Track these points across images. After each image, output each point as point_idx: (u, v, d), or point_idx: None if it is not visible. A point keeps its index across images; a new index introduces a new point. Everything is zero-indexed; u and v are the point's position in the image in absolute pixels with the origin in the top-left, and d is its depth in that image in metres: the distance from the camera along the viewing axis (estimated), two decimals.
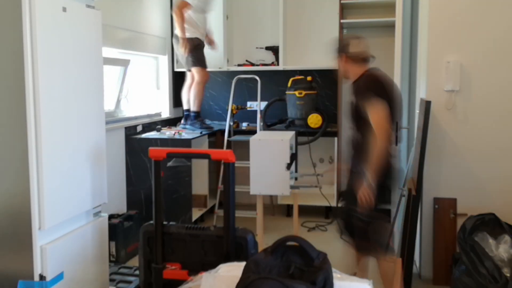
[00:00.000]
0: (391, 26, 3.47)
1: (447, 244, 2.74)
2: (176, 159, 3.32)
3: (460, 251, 2.39)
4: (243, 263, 1.57)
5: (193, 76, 3.88)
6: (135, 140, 3.59)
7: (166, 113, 4.29)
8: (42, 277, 1.87)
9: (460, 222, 2.68)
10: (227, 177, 2.10)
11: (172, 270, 2.11)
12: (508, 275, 2.21)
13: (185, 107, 4.03)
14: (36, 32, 1.81)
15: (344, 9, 4.13)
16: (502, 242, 2.36)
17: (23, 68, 1.81)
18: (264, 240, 3.03)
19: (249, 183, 2.92)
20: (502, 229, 2.41)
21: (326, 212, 4.14)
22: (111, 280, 2.50)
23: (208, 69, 4.35)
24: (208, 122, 4.27)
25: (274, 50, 4.36)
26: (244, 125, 4.37)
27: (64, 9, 1.99)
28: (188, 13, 3.67)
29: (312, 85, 4.05)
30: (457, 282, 2.29)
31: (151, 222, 2.17)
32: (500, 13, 2.68)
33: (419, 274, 2.88)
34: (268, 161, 2.85)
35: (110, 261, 2.88)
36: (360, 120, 2.38)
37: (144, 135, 3.67)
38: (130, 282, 2.52)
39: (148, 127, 3.86)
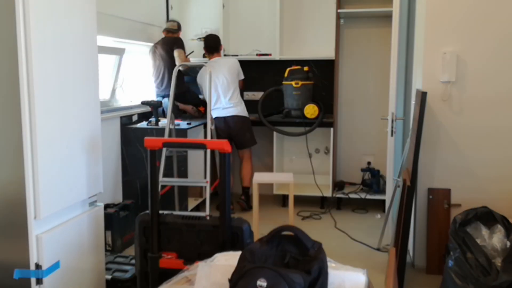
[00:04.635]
0: (388, 17, 3.46)
1: (440, 234, 2.77)
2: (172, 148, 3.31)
3: (451, 243, 2.41)
4: (239, 253, 1.58)
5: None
6: (131, 130, 3.58)
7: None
8: (38, 266, 1.88)
9: (453, 212, 2.71)
10: (223, 167, 2.10)
11: (168, 259, 2.12)
12: (499, 264, 2.24)
13: None
14: (30, 20, 1.79)
15: None
16: (496, 231, 2.38)
17: (17, 57, 1.78)
18: (259, 230, 3.05)
19: None
20: (495, 220, 2.43)
21: (322, 202, 4.17)
22: (107, 269, 2.51)
23: (204, 59, 4.32)
24: None
25: None
26: None
27: None
28: None
29: (308, 76, 4.03)
30: (449, 271, 2.32)
31: (147, 211, 2.17)
32: (497, 4, 2.67)
33: (413, 264, 2.92)
34: None
35: (106, 250, 2.89)
36: None
37: (139, 125, 3.66)
38: (126, 271, 2.53)
39: (143, 116, 3.84)
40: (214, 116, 3.82)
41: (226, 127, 3.85)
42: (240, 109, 3.91)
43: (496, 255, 2.30)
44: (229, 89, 3.87)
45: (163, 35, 3.99)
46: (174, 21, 4.07)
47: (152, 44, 3.97)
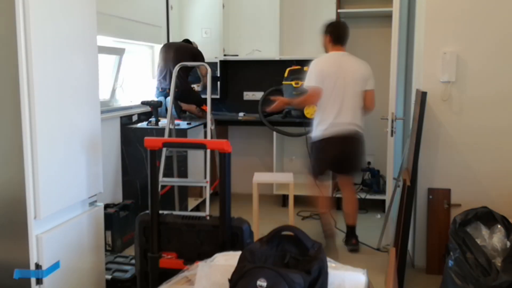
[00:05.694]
0: (388, 16, 3.46)
1: (440, 234, 2.77)
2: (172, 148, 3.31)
3: (451, 243, 2.41)
4: (239, 253, 1.58)
5: None
6: (131, 130, 3.58)
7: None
8: (38, 266, 1.88)
9: (453, 212, 2.71)
10: (223, 167, 2.10)
11: (168, 259, 2.12)
12: (499, 264, 2.24)
13: None
14: (30, 20, 1.79)
15: None
16: (496, 232, 2.38)
17: (17, 57, 1.78)
18: (259, 230, 3.05)
19: None
20: (495, 220, 2.43)
21: None
22: (107, 269, 2.51)
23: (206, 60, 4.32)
24: None
25: None
26: (240, 115, 4.37)
27: None
28: None
29: None
30: (449, 271, 2.32)
31: (147, 211, 2.17)
32: (497, 4, 2.68)
33: (413, 264, 2.92)
34: None
35: (106, 250, 2.89)
36: None
37: (139, 125, 3.66)
38: (126, 271, 2.53)
39: (144, 116, 3.84)
40: (325, 136, 2.94)
41: (341, 149, 2.96)
42: (361, 127, 3.04)
43: (496, 255, 2.30)
44: (358, 99, 2.99)
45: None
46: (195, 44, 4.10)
47: (154, 44, 3.97)
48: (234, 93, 4.49)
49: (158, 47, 4.25)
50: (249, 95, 4.48)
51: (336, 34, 3.10)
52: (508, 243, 2.30)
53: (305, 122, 4.01)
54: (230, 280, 1.47)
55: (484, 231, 2.41)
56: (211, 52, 4.30)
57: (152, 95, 4.03)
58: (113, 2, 3.42)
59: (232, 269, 1.49)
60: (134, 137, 3.54)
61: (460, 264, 2.28)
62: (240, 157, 4.38)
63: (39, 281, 1.88)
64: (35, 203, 1.86)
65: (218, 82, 4.31)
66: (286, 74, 4.08)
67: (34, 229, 1.87)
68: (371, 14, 4.13)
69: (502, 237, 2.35)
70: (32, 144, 1.84)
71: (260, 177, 3.24)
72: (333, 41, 3.10)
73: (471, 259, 2.26)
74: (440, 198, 2.80)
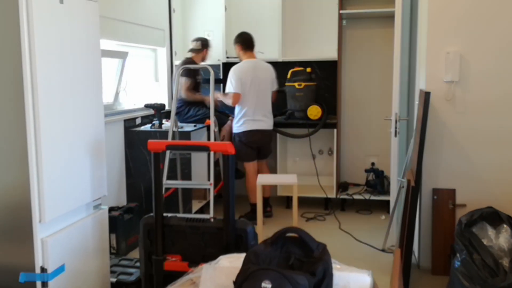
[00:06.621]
0: (390, 17, 3.45)
1: (445, 235, 2.75)
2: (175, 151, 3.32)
3: (457, 244, 2.40)
4: (243, 255, 1.58)
5: None
6: (134, 133, 3.58)
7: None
8: (43, 270, 1.88)
9: (459, 212, 2.69)
10: (227, 169, 2.10)
11: (172, 262, 2.12)
12: (506, 265, 2.22)
13: None
14: (34, 25, 1.80)
15: (343, 0, 4.11)
16: (502, 231, 2.37)
17: (21, 61, 1.80)
18: (263, 232, 3.05)
19: None
20: (501, 220, 2.42)
21: (326, 204, 4.16)
22: (112, 272, 2.52)
23: (207, 62, 4.34)
24: None
25: None
26: None
27: (61, 1, 1.98)
28: None
29: (311, 77, 4.03)
30: (456, 272, 2.30)
31: (151, 214, 2.18)
32: (501, 4, 2.67)
33: (418, 265, 2.90)
34: None
35: (111, 253, 2.89)
36: None
37: (143, 128, 3.67)
38: (131, 274, 2.53)
39: (146, 118, 3.85)
40: (248, 129, 3.64)
41: (260, 140, 3.71)
42: (272, 122, 3.83)
43: (503, 255, 2.28)
44: (269, 98, 3.75)
45: (190, 55, 3.97)
46: (198, 39, 4.00)
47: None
48: None
49: (161, 50, 4.27)
50: None
51: (245, 41, 3.74)
52: None
53: (308, 123, 4.01)
54: (234, 282, 1.47)
55: (490, 231, 2.39)
56: (214, 55, 4.31)
57: (155, 98, 4.04)
58: (116, 6, 3.43)
59: (237, 271, 1.49)
60: (137, 140, 3.55)
61: (467, 265, 2.26)
62: None
63: (44, 285, 1.89)
64: (40, 207, 1.86)
65: (221, 85, 4.31)
66: (288, 76, 4.08)
67: (39, 233, 1.88)
68: (373, 15, 4.12)
69: (508, 237, 2.34)
70: (37, 148, 1.85)
71: (264, 179, 3.24)
72: (243, 48, 3.75)
73: (478, 260, 2.24)
74: (445, 199, 2.78)
